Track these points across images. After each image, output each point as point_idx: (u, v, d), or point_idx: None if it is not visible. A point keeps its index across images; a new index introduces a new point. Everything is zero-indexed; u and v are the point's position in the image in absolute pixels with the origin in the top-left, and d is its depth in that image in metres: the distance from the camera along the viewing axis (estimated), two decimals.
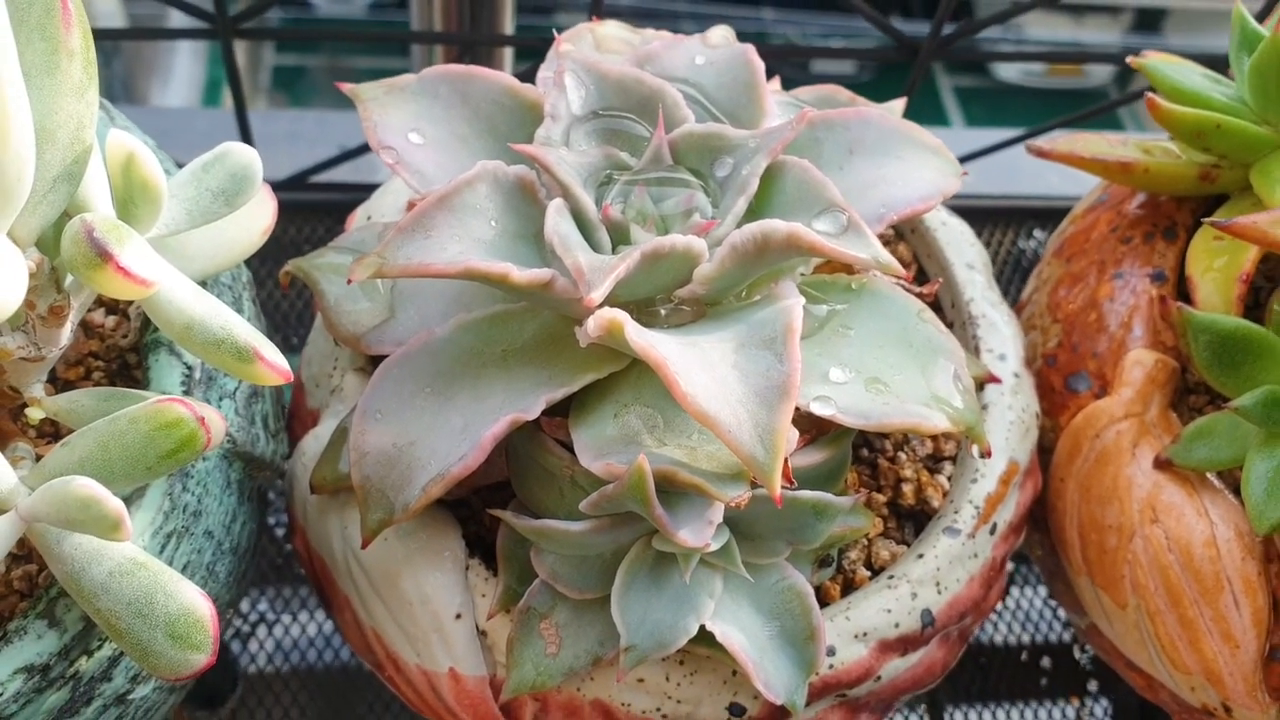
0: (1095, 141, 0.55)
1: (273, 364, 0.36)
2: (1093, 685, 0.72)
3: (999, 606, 0.72)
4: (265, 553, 0.68)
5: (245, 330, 0.36)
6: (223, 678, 0.63)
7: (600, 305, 0.38)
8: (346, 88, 0.46)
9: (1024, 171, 0.88)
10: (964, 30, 0.71)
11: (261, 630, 0.66)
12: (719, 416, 0.37)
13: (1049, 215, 0.84)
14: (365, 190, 0.80)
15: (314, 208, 0.78)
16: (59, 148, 0.34)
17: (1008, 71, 3.47)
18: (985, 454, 0.46)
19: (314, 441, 0.47)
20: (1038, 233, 0.84)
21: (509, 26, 0.70)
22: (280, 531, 0.69)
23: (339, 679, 0.67)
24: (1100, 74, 3.40)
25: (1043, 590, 0.75)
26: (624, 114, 0.45)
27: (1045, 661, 0.72)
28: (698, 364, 0.38)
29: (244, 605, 0.67)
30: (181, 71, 2.51)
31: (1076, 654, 0.73)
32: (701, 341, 0.39)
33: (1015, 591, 0.74)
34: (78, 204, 0.37)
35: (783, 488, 0.36)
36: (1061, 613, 0.74)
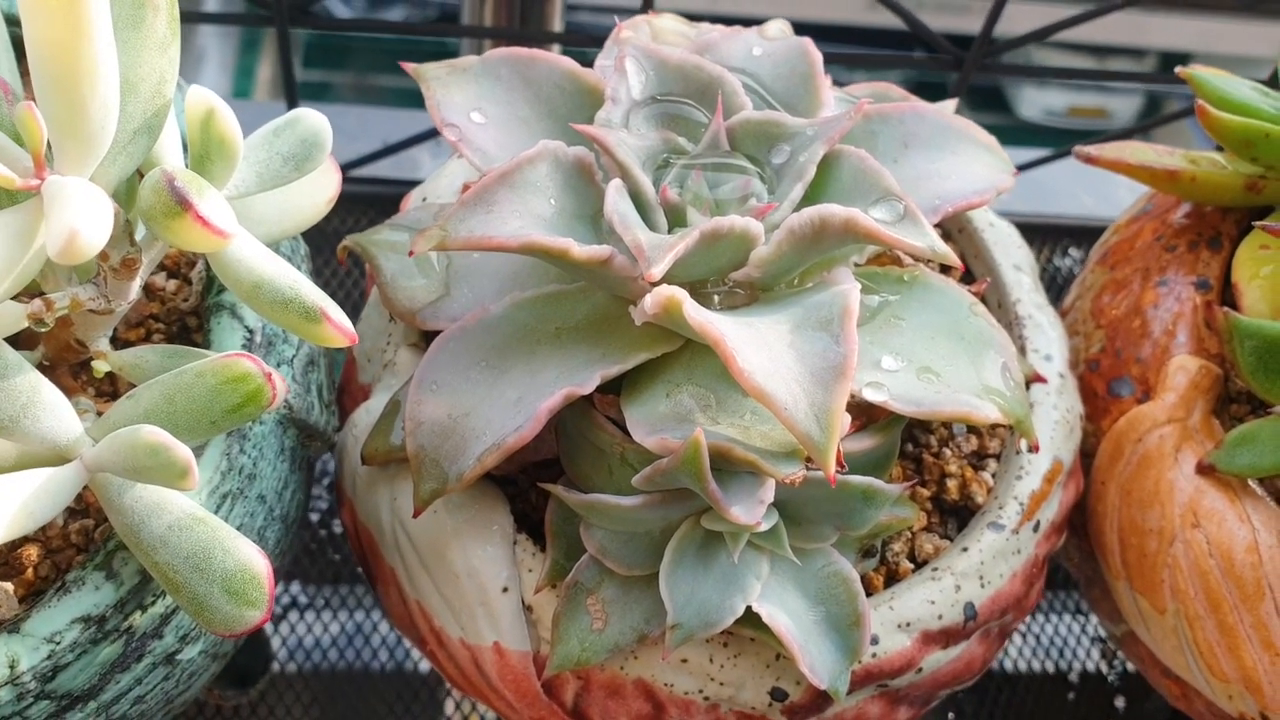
0: (1143, 150, 0.55)
1: (339, 325, 0.37)
2: (1120, 702, 0.71)
3: (1024, 620, 0.72)
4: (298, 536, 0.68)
5: (313, 291, 0.37)
6: (254, 657, 0.63)
7: (658, 284, 0.39)
8: (409, 67, 0.47)
9: (1059, 193, 0.89)
10: (1005, 44, 0.71)
11: (293, 614, 0.66)
12: (775, 394, 0.37)
13: (1084, 234, 0.85)
14: (406, 185, 0.81)
15: (356, 199, 0.79)
16: (141, 100, 0.35)
17: (1030, 110, 3.47)
18: (1033, 448, 0.46)
19: (365, 414, 0.48)
20: (1073, 250, 0.85)
21: (558, 24, 0.70)
22: (314, 517, 0.69)
23: (356, 681, 0.67)
24: (1123, 117, 3.41)
25: (1071, 606, 0.74)
26: (683, 100, 0.46)
27: (1073, 678, 0.72)
28: (754, 343, 0.38)
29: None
30: (207, 82, 2.53)
31: (1104, 670, 0.72)
32: (757, 322, 0.40)
33: (1044, 604, 0.74)
34: (150, 161, 0.38)
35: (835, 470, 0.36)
36: (1089, 628, 0.74)
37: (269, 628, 0.66)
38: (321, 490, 0.69)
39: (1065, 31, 0.70)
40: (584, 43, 0.69)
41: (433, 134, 0.76)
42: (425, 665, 0.68)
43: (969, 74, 0.69)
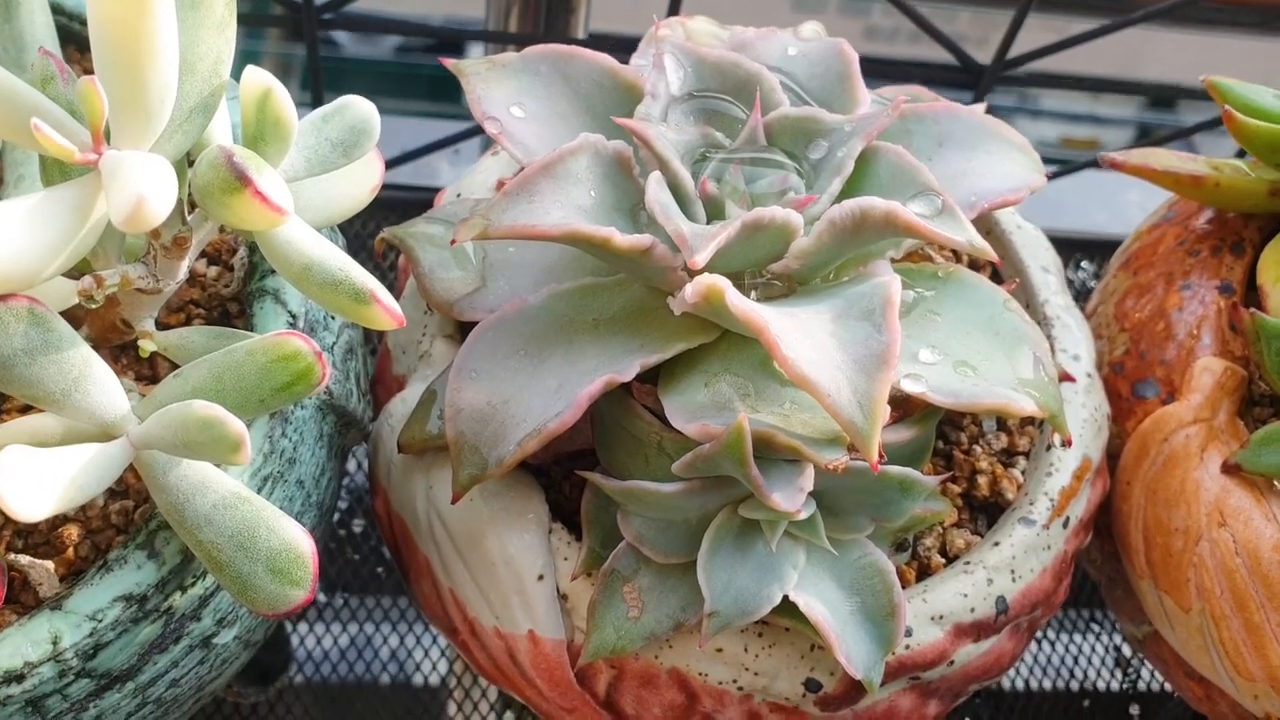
0: (1167, 156, 0.56)
1: (388, 307, 0.37)
2: (1135, 709, 0.71)
3: (1037, 633, 0.72)
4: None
5: (362, 273, 0.37)
6: (275, 654, 0.63)
7: (698, 273, 0.39)
8: (449, 63, 0.47)
9: (1071, 208, 0.90)
10: (1023, 57, 0.72)
11: (310, 613, 0.66)
12: (819, 381, 0.37)
13: (1096, 247, 0.86)
14: (426, 192, 0.82)
15: (378, 204, 0.78)
16: (198, 79, 0.35)
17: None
18: (1066, 442, 0.46)
19: (401, 404, 0.48)
20: (1085, 264, 0.85)
21: (582, 32, 0.71)
22: (334, 516, 0.69)
23: (364, 689, 0.67)
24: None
25: (1085, 615, 0.75)
26: (720, 96, 0.46)
27: (1088, 687, 0.72)
28: (796, 331, 0.38)
29: None
30: None
31: (1119, 679, 0.72)
32: (798, 313, 0.40)
33: (1058, 617, 0.74)
34: (201, 142, 0.38)
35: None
36: (1105, 639, 0.74)
37: (288, 625, 0.65)
38: (341, 490, 0.69)
39: (1060, 65, 0.72)
40: (607, 49, 0.69)
41: (453, 140, 0.77)
42: (427, 677, 0.68)
43: (988, 85, 0.70)
